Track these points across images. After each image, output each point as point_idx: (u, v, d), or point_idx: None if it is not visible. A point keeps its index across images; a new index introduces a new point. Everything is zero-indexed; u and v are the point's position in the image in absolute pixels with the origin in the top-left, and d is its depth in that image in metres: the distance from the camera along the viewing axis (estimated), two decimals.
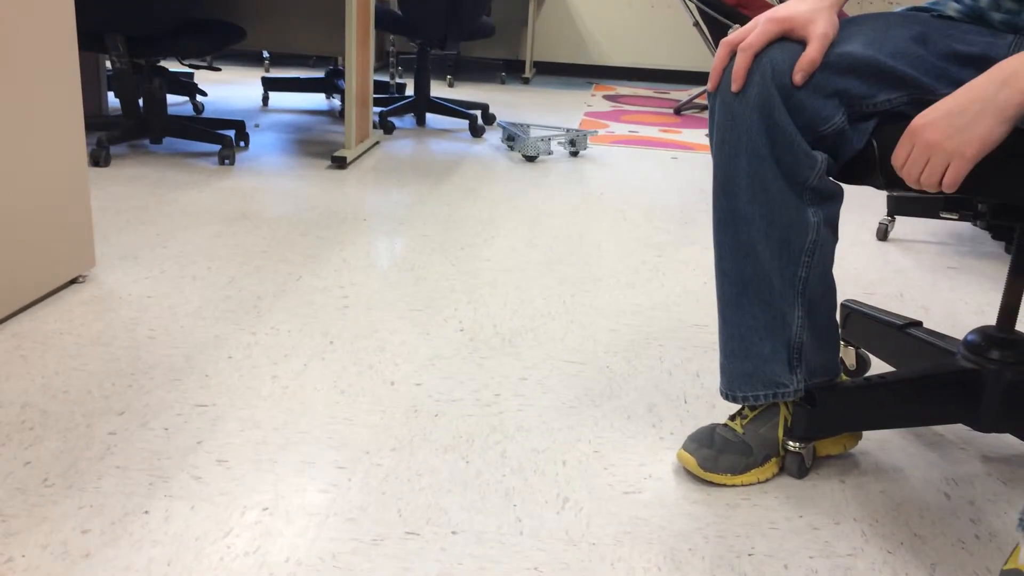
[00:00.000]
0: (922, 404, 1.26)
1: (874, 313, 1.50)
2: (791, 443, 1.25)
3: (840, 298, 2.00)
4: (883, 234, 2.55)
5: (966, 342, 1.27)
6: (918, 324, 1.43)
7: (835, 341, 1.26)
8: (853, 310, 1.54)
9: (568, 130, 3.56)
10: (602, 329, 1.76)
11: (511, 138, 3.54)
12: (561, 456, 1.28)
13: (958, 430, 1.42)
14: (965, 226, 2.76)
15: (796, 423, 1.24)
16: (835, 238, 1.19)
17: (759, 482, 1.25)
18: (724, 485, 1.24)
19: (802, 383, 1.22)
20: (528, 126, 3.71)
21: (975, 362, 1.24)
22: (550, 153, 3.47)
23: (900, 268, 2.28)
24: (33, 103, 1.62)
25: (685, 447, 1.26)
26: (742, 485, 1.25)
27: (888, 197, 2.57)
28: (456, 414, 1.39)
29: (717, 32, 4.74)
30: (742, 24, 4.53)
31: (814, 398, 1.22)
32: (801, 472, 1.26)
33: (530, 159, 3.37)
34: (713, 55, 4.84)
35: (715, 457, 1.24)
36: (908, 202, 2.56)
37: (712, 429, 1.27)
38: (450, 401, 1.43)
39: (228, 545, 1.03)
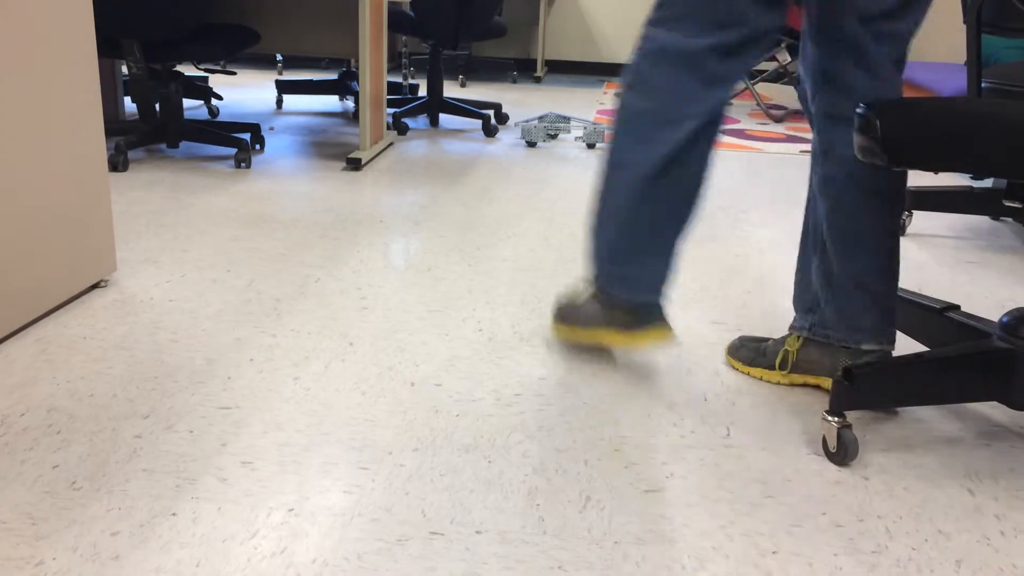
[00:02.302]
0: (958, 382, 1.30)
1: (913, 298, 1.55)
2: (829, 417, 1.29)
3: None
4: (900, 229, 2.53)
5: (1001, 323, 1.31)
6: (956, 308, 1.47)
7: (842, 298, 1.41)
8: None
9: (585, 124, 3.66)
10: None
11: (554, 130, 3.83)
12: (583, 455, 1.28)
13: (981, 426, 1.42)
14: (984, 220, 2.74)
15: (835, 399, 1.29)
16: (830, 190, 1.38)
17: (760, 379, 1.55)
18: (735, 369, 1.59)
19: (806, 325, 1.49)
20: (569, 118, 3.89)
21: (1010, 342, 1.27)
22: (546, 140, 3.69)
23: (919, 263, 2.27)
24: (53, 110, 1.64)
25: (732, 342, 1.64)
26: (747, 374, 1.57)
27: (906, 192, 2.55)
28: (477, 414, 1.39)
29: None
30: None
31: (852, 375, 1.26)
32: (829, 452, 1.30)
33: (531, 144, 3.60)
34: None
35: (737, 347, 1.61)
36: (926, 196, 2.55)
37: (763, 339, 1.60)
38: (471, 401, 1.43)
39: (255, 546, 1.04)
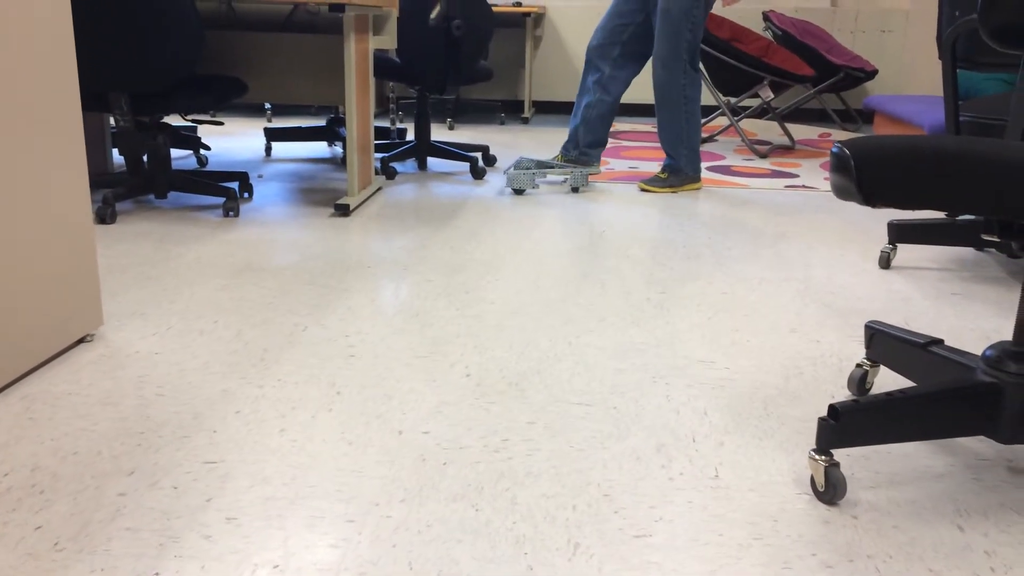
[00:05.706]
0: (944, 417, 1.31)
1: (897, 333, 1.56)
2: (816, 456, 1.28)
3: (846, 328, 2.01)
4: (885, 262, 2.55)
5: (985, 357, 1.32)
6: (939, 342, 1.47)
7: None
8: (877, 331, 1.60)
9: (570, 169, 3.64)
10: (608, 369, 1.76)
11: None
12: (571, 501, 1.28)
13: (969, 460, 1.42)
14: (968, 252, 2.76)
15: (821, 437, 1.29)
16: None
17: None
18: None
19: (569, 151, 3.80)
20: (553, 163, 3.85)
21: (994, 376, 1.28)
22: (535, 187, 3.68)
23: (904, 296, 2.28)
24: (37, 165, 1.65)
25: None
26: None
27: (889, 225, 2.58)
28: (464, 461, 1.38)
29: (714, 67, 4.79)
30: (737, 59, 4.59)
31: (838, 412, 1.26)
32: (817, 491, 1.29)
33: (518, 192, 3.56)
34: (710, 90, 4.90)
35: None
36: (910, 229, 2.56)
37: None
38: (458, 448, 1.43)
39: None
